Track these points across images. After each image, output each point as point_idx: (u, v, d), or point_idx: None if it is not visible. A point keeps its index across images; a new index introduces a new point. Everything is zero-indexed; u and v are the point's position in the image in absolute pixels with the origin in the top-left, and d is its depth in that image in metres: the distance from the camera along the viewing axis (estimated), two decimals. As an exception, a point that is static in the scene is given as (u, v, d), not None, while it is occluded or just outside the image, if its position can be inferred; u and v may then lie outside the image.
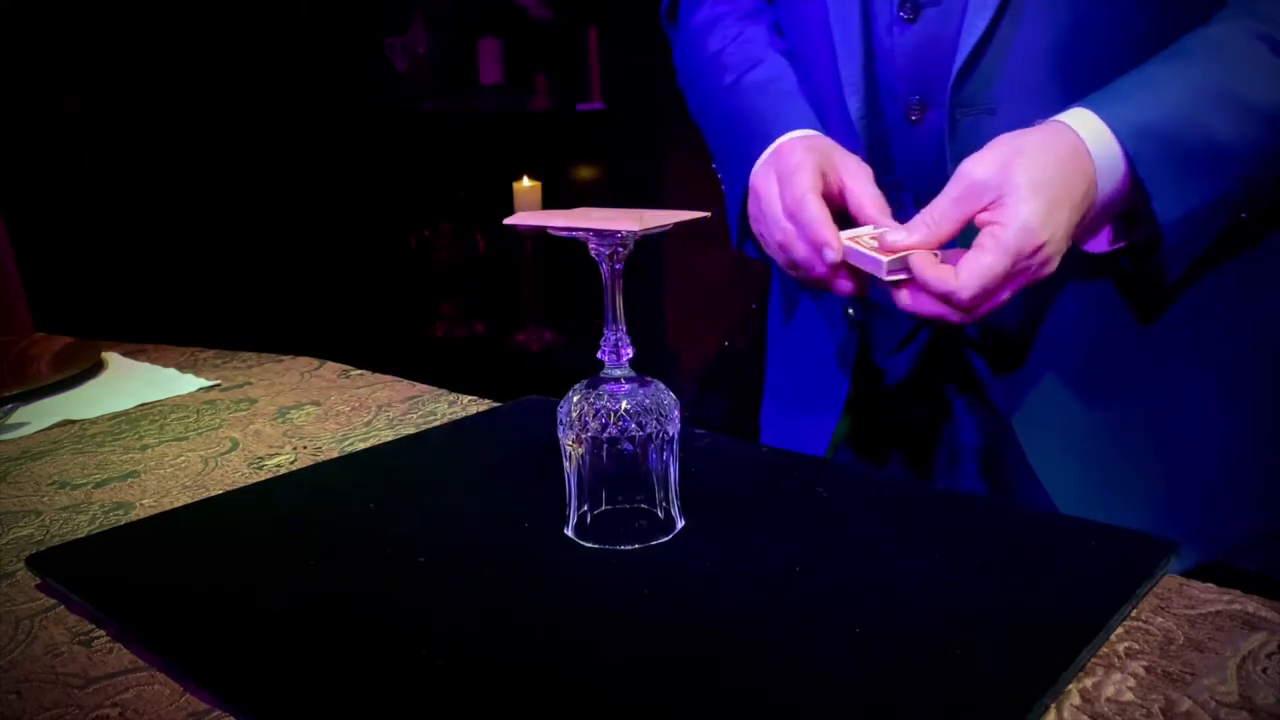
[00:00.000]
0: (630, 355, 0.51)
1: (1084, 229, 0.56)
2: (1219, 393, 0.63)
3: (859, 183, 0.62)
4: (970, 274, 0.53)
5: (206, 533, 0.56)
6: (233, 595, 0.48)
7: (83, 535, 0.58)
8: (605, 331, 0.51)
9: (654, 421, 0.50)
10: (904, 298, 0.57)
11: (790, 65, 0.74)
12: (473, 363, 2.68)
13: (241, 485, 0.64)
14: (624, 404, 0.50)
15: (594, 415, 0.50)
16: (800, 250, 0.61)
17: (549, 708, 0.38)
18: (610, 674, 0.40)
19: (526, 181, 2.50)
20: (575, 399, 0.51)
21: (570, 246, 0.60)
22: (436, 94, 2.79)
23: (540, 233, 0.52)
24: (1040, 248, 0.52)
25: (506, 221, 0.53)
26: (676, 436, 0.51)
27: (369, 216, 2.78)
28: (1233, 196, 0.55)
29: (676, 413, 0.51)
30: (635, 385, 0.51)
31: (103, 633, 0.47)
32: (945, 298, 0.54)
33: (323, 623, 0.45)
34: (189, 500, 0.62)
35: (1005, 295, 0.54)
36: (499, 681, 0.40)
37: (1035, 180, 0.52)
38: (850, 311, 0.76)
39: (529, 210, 0.54)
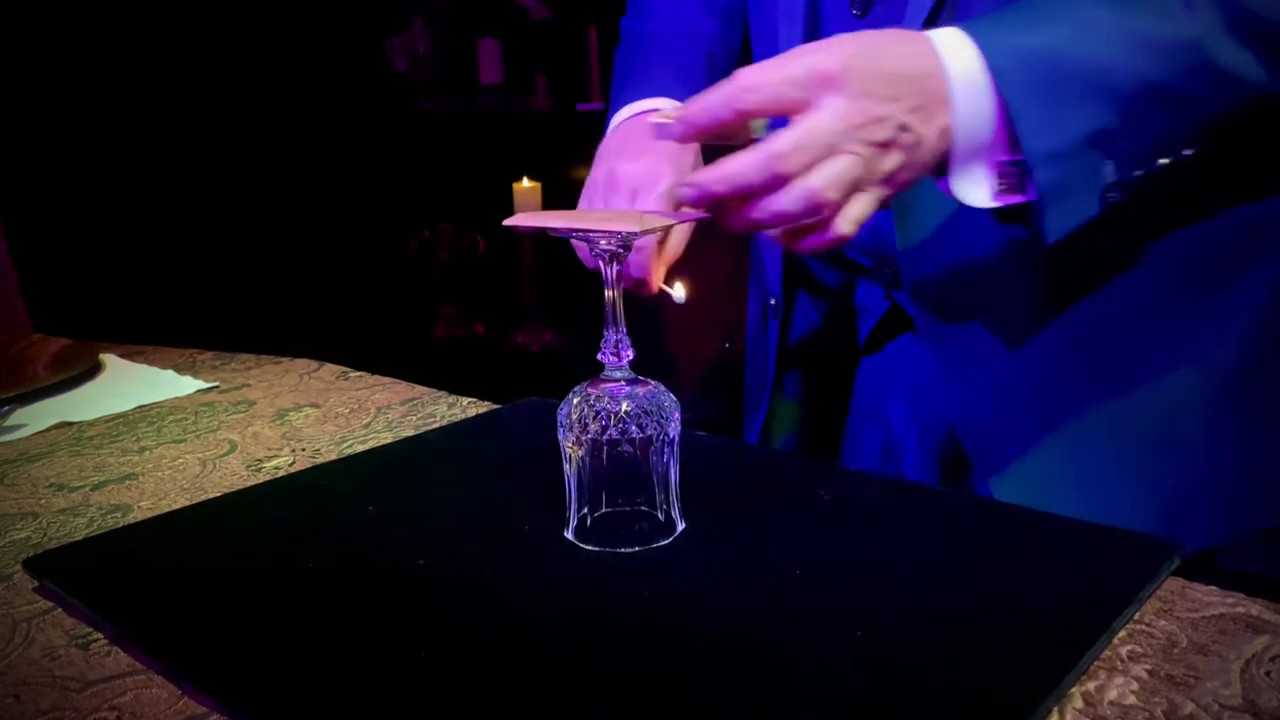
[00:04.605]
0: (630, 357, 0.51)
1: (939, 156, 0.50)
2: (1199, 389, 0.62)
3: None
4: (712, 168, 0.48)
5: (205, 535, 0.55)
6: (231, 598, 0.48)
7: (80, 538, 0.58)
8: (605, 333, 0.51)
9: (654, 423, 0.50)
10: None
11: (694, 26, 0.75)
12: (472, 364, 2.68)
13: (240, 488, 0.64)
14: (624, 406, 0.50)
15: (594, 417, 0.50)
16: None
17: (549, 711, 0.38)
18: (610, 677, 0.40)
19: (526, 182, 2.50)
20: (575, 401, 0.51)
21: (570, 247, 0.60)
22: (436, 94, 2.79)
23: (540, 234, 0.52)
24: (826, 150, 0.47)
25: (506, 223, 0.53)
26: (677, 438, 0.51)
27: (369, 217, 2.78)
28: (1118, 139, 0.51)
29: (677, 414, 0.51)
30: (635, 387, 0.51)
31: (100, 635, 0.47)
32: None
33: (321, 625, 0.45)
34: (187, 502, 0.62)
35: (788, 205, 0.47)
36: (499, 684, 0.40)
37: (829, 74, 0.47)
38: (771, 302, 0.76)
39: (529, 211, 0.54)
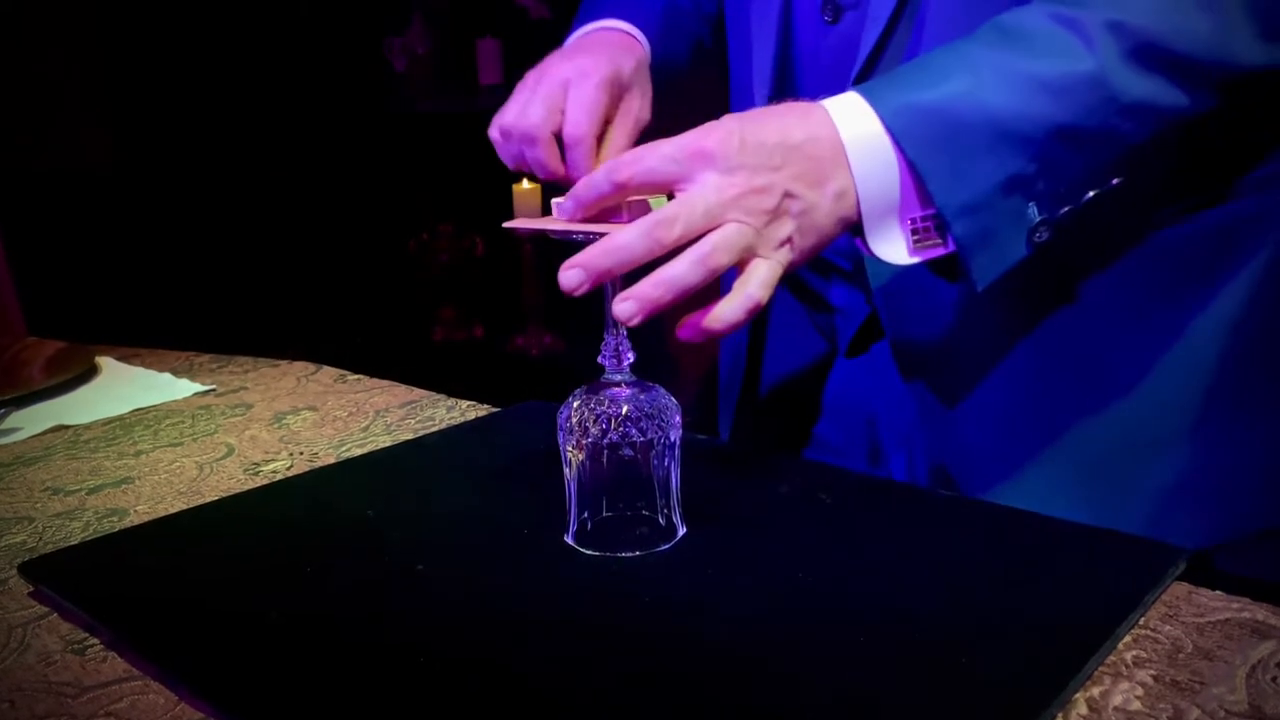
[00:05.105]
0: (631, 360, 0.51)
1: (843, 219, 0.50)
2: (1186, 387, 0.62)
3: (630, 117, 0.61)
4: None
5: (202, 539, 0.55)
6: (228, 603, 0.47)
7: (76, 542, 0.57)
8: (606, 336, 0.51)
9: (655, 427, 0.50)
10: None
11: None
12: (471, 367, 2.67)
13: (237, 491, 0.63)
14: (625, 409, 0.50)
15: (594, 421, 0.50)
16: (544, 158, 0.58)
17: (549, 717, 0.38)
18: (611, 683, 0.40)
19: (526, 184, 2.49)
20: (575, 404, 0.51)
21: (571, 249, 0.59)
22: (435, 95, 2.79)
23: (540, 236, 0.51)
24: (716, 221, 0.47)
25: (506, 226, 0.53)
26: (678, 442, 0.51)
27: (367, 219, 2.78)
28: (1035, 181, 0.50)
29: (678, 418, 0.51)
30: (636, 390, 0.51)
31: (96, 641, 0.46)
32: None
33: (320, 631, 0.44)
34: (184, 506, 0.62)
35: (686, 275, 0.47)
36: (498, 691, 0.39)
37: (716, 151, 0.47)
38: None
39: (529, 212, 0.53)
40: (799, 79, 0.67)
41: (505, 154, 0.63)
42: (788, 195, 0.48)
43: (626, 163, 0.48)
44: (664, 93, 0.72)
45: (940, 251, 0.51)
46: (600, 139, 0.60)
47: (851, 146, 0.49)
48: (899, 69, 0.52)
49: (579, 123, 0.58)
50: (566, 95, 0.60)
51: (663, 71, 0.70)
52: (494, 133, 0.62)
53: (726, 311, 0.48)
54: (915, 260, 0.51)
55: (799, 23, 0.66)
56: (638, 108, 0.64)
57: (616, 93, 0.61)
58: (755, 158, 0.48)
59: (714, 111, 0.76)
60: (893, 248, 0.51)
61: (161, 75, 2.58)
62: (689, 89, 0.79)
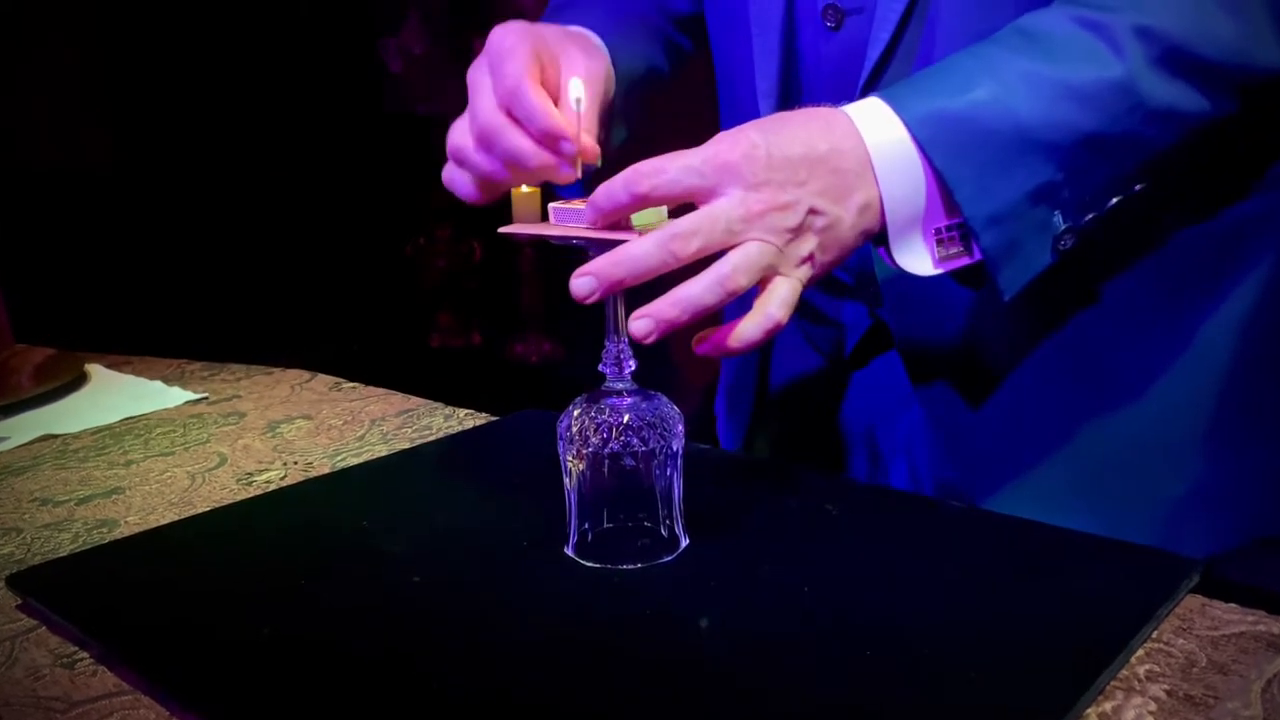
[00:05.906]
0: (633, 368, 0.50)
1: (867, 231, 0.49)
2: (1194, 393, 0.61)
3: (574, 73, 0.57)
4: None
5: (193, 551, 0.55)
6: (220, 616, 0.47)
7: (65, 554, 0.57)
8: (606, 343, 0.50)
9: (657, 436, 0.49)
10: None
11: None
12: (469, 375, 2.67)
13: (230, 502, 0.63)
14: (626, 418, 0.49)
15: (595, 430, 0.49)
16: (514, 141, 0.53)
17: (550, 737, 0.37)
18: (611, 698, 0.39)
19: (525, 188, 2.49)
20: (576, 413, 0.50)
21: (571, 255, 0.59)
22: (432, 96, 2.79)
23: (539, 241, 0.51)
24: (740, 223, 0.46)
25: (502, 231, 0.52)
26: (680, 452, 0.50)
27: (362, 222, 2.77)
28: (1061, 189, 0.50)
29: (680, 427, 0.50)
30: (638, 399, 0.50)
31: (86, 655, 0.46)
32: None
33: (314, 644, 0.44)
34: (175, 517, 0.61)
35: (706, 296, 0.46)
36: (496, 705, 0.39)
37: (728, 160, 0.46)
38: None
39: (528, 217, 0.52)
40: (804, 88, 0.66)
41: (466, 184, 0.57)
42: (812, 212, 0.47)
43: (645, 174, 0.47)
44: (650, 97, 0.70)
45: (966, 261, 0.51)
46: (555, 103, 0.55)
47: (877, 155, 0.48)
48: (919, 74, 0.51)
49: (506, 74, 0.53)
50: (503, 61, 0.54)
51: (635, 71, 0.67)
52: (448, 172, 0.57)
53: (746, 331, 0.47)
54: (940, 271, 0.51)
55: (800, 30, 0.65)
56: (583, 63, 0.58)
57: (539, 46, 0.56)
58: (781, 173, 0.46)
59: (705, 119, 0.74)
60: (917, 259, 0.50)
61: (154, 77, 2.58)
62: (676, 93, 0.77)
